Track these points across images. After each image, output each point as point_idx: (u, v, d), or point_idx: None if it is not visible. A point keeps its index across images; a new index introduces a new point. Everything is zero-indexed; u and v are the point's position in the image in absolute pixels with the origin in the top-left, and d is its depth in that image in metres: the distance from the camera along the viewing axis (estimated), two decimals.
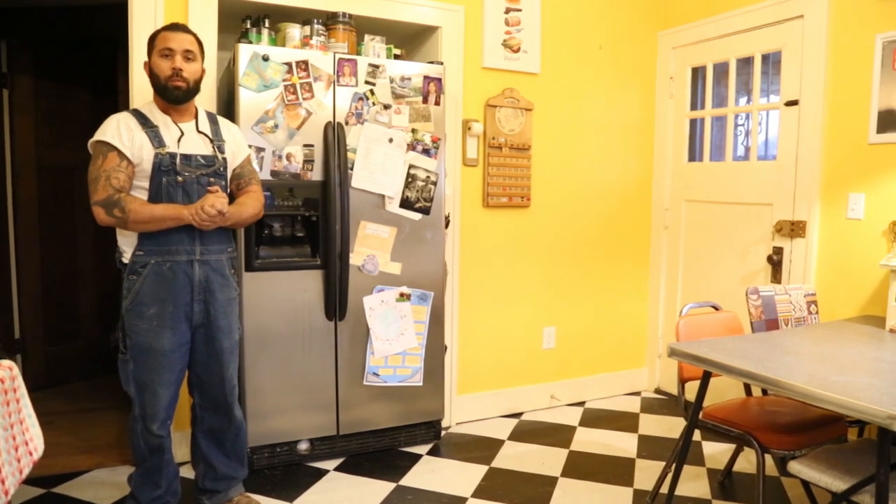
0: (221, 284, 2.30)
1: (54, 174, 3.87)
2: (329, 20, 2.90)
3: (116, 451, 2.97)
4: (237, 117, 2.63)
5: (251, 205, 2.35)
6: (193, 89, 2.24)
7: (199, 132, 2.29)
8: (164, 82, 2.18)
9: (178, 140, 2.22)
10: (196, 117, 2.32)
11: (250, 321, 2.71)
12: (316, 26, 2.86)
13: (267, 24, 2.84)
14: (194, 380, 2.38)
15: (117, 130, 2.15)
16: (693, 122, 3.80)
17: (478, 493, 2.67)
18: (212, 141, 2.30)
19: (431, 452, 3.08)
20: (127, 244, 2.21)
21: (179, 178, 2.19)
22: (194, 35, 2.26)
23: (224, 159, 2.32)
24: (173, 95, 2.20)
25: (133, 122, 2.18)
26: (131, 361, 2.22)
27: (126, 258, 2.21)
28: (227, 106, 2.83)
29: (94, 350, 4.08)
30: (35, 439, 1.61)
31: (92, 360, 4.06)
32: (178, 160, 2.19)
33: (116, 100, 3.35)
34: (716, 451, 3.08)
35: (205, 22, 2.75)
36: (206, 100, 2.76)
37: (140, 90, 2.68)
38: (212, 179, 2.26)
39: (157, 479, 2.31)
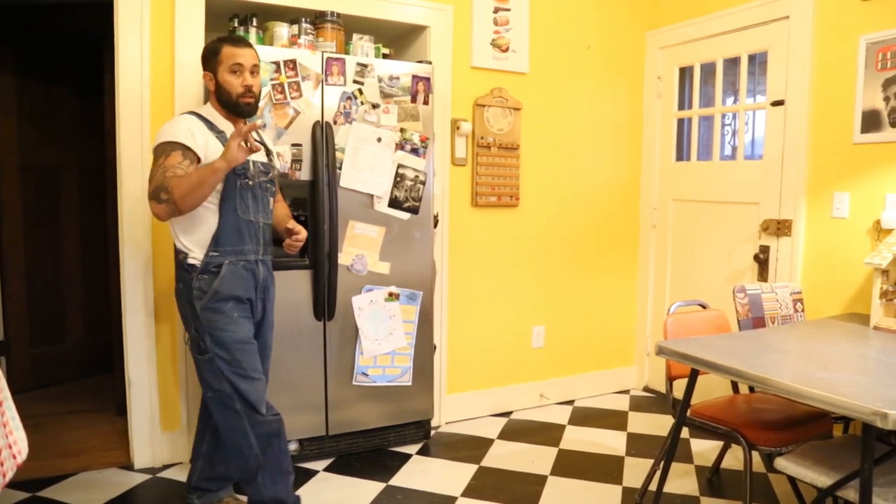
0: (273, 283, 2.40)
1: (39, 175, 3.83)
2: (317, 19, 2.90)
3: (103, 454, 2.95)
4: None
5: (289, 212, 2.56)
6: (258, 101, 2.30)
7: (256, 140, 2.28)
8: (236, 98, 2.21)
9: None
10: None
11: None
12: (304, 25, 2.85)
13: (255, 23, 2.83)
14: None
15: (189, 132, 2.14)
16: (681, 122, 3.82)
17: (468, 493, 2.67)
18: (266, 150, 2.37)
19: (421, 452, 3.08)
20: (196, 245, 2.19)
21: (249, 182, 2.22)
22: (254, 48, 2.28)
23: (277, 170, 2.42)
24: (245, 111, 2.24)
25: (203, 127, 2.19)
26: (217, 358, 2.19)
27: (193, 259, 2.19)
28: None
29: (81, 352, 4.05)
30: (19, 442, 1.60)
31: (79, 362, 4.03)
32: (249, 165, 2.22)
33: (103, 99, 3.32)
34: (704, 449, 3.10)
35: (192, 20, 2.74)
36: (192, 99, 2.76)
37: (126, 87, 2.67)
38: (269, 185, 2.32)
39: (284, 464, 2.28)
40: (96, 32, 3.24)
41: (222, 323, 2.18)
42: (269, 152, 2.40)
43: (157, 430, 2.83)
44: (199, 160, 2.12)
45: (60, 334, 3.99)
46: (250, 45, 2.26)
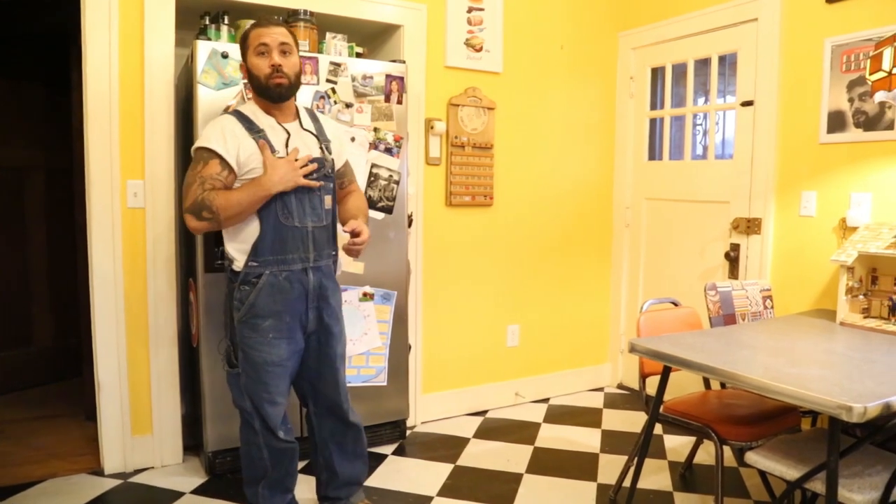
0: (333, 290, 2.23)
1: (4, 174, 3.74)
2: (290, 17, 2.87)
3: (72, 460, 2.89)
4: (195, 115, 2.58)
5: (363, 206, 2.35)
6: (295, 84, 2.12)
7: (304, 130, 2.19)
8: (265, 81, 2.07)
9: (286, 142, 2.12)
10: (298, 115, 2.22)
11: (211, 323, 2.66)
12: None
13: (226, 21, 2.79)
14: (307, 388, 2.29)
15: (222, 137, 2.04)
16: (653, 122, 3.86)
17: (443, 492, 2.67)
18: (318, 139, 2.20)
19: (397, 452, 3.07)
20: (238, 252, 2.09)
21: None
22: (287, 27, 2.14)
23: (332, 160, 2.22)
24: (276, 93, 2.09)
25: (239, 129, 2.07)
26: (244, 375, 2.12)
27: (237, 266, 2.10)
28: (186, 104, 2.78)
29: (48, 356, 3.97)
30: None
31: (46, 367, 3.95)
32: None
33: (70, 95, 3.25)
34: (677, 444, 3.14)
35: (162, 17, 2.70)
36: (163, 97, 2.72)
37: (94, 85, 2.62)
38: (321, 183, 2.15)
39: (288, 483, 2.25)
40: (63, 28, 3.18)
41: (255, 342, 2.09)
42: (323, 142, 2.21)
43: (128, 435, 2.78)
44: (231, 168, 2.03)
45: (26, 338, 3.90)
46: (280, 24, 2.11)
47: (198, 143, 2.07)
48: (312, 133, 2.20)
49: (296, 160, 2.06)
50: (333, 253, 2.24)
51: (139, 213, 2.74)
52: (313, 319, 2.18)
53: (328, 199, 2.18)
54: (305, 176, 2.09)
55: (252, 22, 2.17)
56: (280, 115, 2.16)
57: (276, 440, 2.16)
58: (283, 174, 2.00)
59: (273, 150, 2.08)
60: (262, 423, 2.15)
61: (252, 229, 2.07)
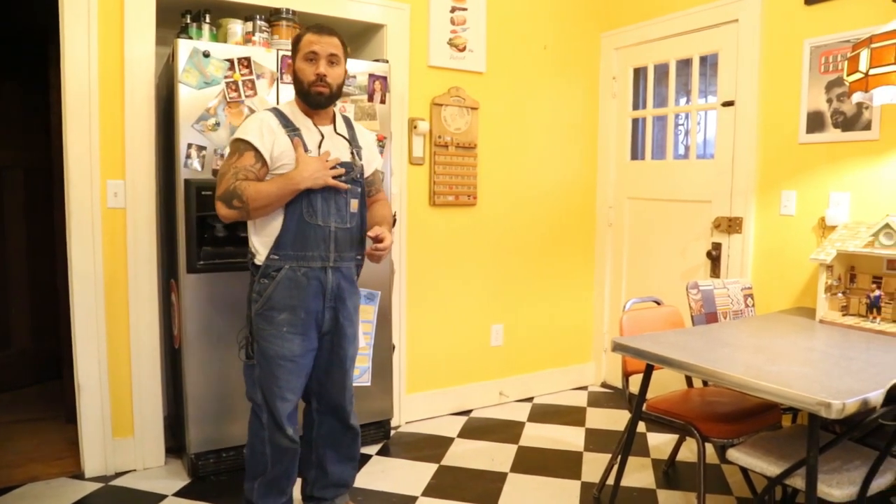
0: (351, 292, 2.27)
1: None
2: (272, 16, 2.86)
3: (52, 464, 2.85)
4: (176, 114, 2.56)
5: (388, 214, 2.40)
6: (336, 94, 2.20)
7: (338, 134, 2.25)
8: (308, 87, 2.14)
9: (319, 144, 2.18)
10: (334, 121, 2.28)
11: (193, 324, 2.64)
12: (259, 22, 2.81)
13: (208, 20, 2.77)
14: (314, 386, 2.30)
15: (259, 131, 2.11)
16: (635, 122, 3.89)
17: (428, 492, 2.67)
18: (350, 145, 2.27)
19: (381, 452, 3.06)
20: (262, 245, 2.15)
21: None
22: (339, 37, 2.19)
23: (361, 166, 2.28)
24: (316, 101, 2.16)
25: (275, 124, 2.14)
26: (258, 367, 2.16)
27: (259, 260, 2.16)
28: (167, 103, 2.76)
29: (27, 357, 3.91)
30: None
31: (24, 369, 3.89)
32: None
33: (48, 94, 3.21)
34: (660, 442, 3.16)
35: (142, 15, 2.67)
36: (143, 97, 2.69)
37: (73, 84, 2.58)
38: (349, 186, 2.21)
39: (284, 485, 2.25)
40: (41, 26, 3.14)
41: (269, 334, 2.13)
42: (355, 148, 2.28)
43: (109, 437, 2.75)
44: (265, 161, 2.10)
45: (5, 340, 3.84)
46: (334, 34, 2.18)
47: (236, 135, 2.15)
48: (345, 138, 2.27)
49: (326, 161, 2.13)
50: (358, 257, 2.29)
51: (120, 214, 2.71)
52: (329, 319, 2.22)
53: (354, 203, 2.23)
54: (334, 178, 2.14)
55: (308, 26, 2.23)
56: (317, 118, 2.22)
57: (281, 436, 2.18)
58: (314, 171, 2.08)
59: (306, 150, 2.14)
60: (270, 417, 2.18)
61: (277, 224, 2.13)
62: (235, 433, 2.73)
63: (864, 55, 2.23)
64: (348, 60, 2.87)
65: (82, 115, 2.61)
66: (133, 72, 2.67)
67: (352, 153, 2.25)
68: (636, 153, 3.90)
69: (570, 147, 3.92)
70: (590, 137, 3.99)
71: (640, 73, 3.83)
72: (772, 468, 1.92)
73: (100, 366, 2.71)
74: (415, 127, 3.30)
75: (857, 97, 2.35)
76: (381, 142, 2.96)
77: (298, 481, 2.38)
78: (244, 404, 2.71)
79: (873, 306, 2.45)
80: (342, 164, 2.19)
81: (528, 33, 3.68)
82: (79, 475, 2.74)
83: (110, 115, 2.66)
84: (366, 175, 2.32)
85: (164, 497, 2.58)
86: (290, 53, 2.72)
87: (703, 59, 3.45)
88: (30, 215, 3.88)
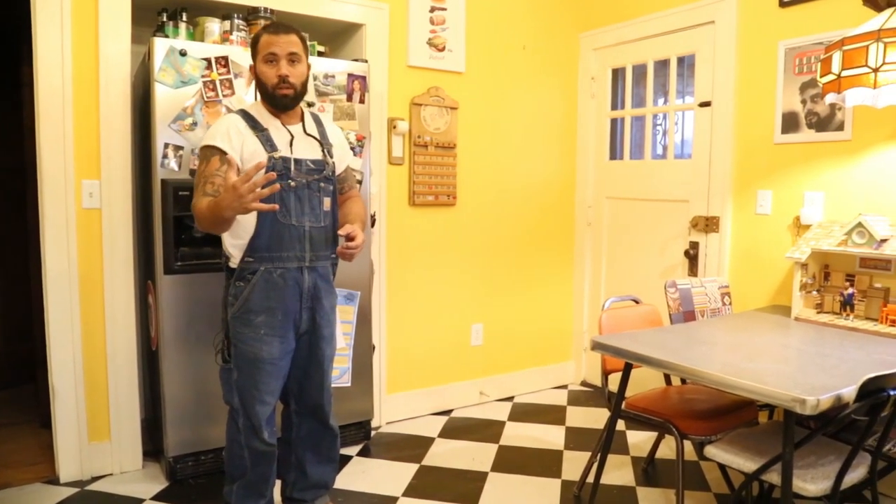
0: (327, 291, 2.25)
1: None
2: (250, 15, 2.83)
3: (26, 469, 2.80)
4: (153, 114, 2.53)
5: (361, 212, 2.34)
6: (301, 92, 2.16)
7: (308, 134, 2.21)
8: (272, 90, 2.11)
9: (290, 144, 2.15)
10: (302, 119, 2.24)
11: (170, 326, 2.61)
12: (236, 21, 2.78)
13: (184, 18, 2.74)
14: (293, 387, 2.29)
15: (226, 133, 2.07)
16: (614, 122, 3.91)
17: (408, 492, 2.67)
18: (321, 144, 2.23)
19: (361, 453, 3.05)
20: (235, 248, 2.12)
21: (292, 183, 2.11)
22: (297, 33, 2.15)
23: (333, 164, 2.25)
24: (282, 103, 2.13)
25: (243, 126, 2.11)
26: (236, 371, 2.13)
27: (233, 263, 2.13)
28: (143, 102, 2.72)
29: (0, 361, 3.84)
30: None
31: None
32: (291, 164, 2.12)
33: (21, 94, 3.15)
34: (639, 440, 3.19)
35: (117, 13, 2.63)
36: (119, 96, 2.65)
37: (46, 82, 2.54)
38: (322, 185, 2.18)
39: (262, 489, 2.22)
40: (13, 22, 3.08)
41: (247, 337, 2.11)
42: (325, 146, 2.25)
43: (84, 441, 2.71)
44: (236, 164, 2.06)
45: None
46: (291, 31, 2.13)
47: (203, 142, 2.11)
48: (315, 137, 2.24)
49: (252, 182, 1.90)
50: (333, 255, 2.27)
51: (95, 214, 2.67)
52: (306, 320, 2.20)
53: (327, 202, 2.22)
54: (275, 182, 1.97)
55: (264, 25, 2.20)
56: (286, 117, 2.20)
57: (258, 441, 2.16)
58: (231, 202, 1.85)
59: (275, 149, 2.11)
60: (247, 422, 2.16)
61: (250, 226, 2.09)
62: (214, 436, 2.71)
63: (837, 57, 2.27)
64: (327, 59, 2.89)
65: (56, 114, 2.57)
66: (108, 70, 2.64)
67: (323, 151, 2.23)
68: (615, 153, 3.92)
69: (550, 147, 3.93)
70: (569, 137, 4.01)
71: (618, 74, 3.86)
72: (748, 464, 1.95)
73: (75, 369, 2.67)
74: (394, 127, 3.29)
75: (830, 98, 2.39)
76: (361, 142, 2.96)
77: (278, 483, 2.36)
78: (223, 406, 2.68)
79: (847, 304, 2.50)
80: (313, 163, 2.17)
81: (507, 33, 3.69)
82: (53, 480, 2.69)
83: (85, 114, 2.62)
84: (337, 172, 2.30)
85: (141, 501, 2.55)
86: None
87: (680, 60, 3.48)
88: (2, 215, 3.81)
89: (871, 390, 1.68)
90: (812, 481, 1.84)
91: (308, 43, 2.68)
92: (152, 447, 2.91)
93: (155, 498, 2.58)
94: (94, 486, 2.66)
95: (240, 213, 1.90)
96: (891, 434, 2.00)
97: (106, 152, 2.66)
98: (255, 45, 2.16)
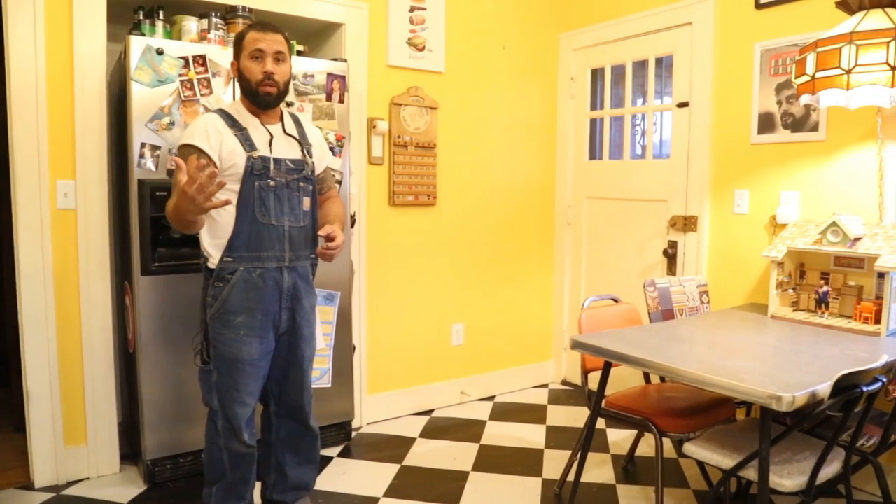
0: (307, 292, 2.24)
1: None
2: (228, 14, 2.81)
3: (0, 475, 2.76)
4: (129, 113, 2.50)
5: (341, 212, 2.36)
6: (283, 92, 2.15)
7: (287, 134, 2.20)
8: (256, 87, 2.09)
9: (269, 143, 2.14)
10: (282, 119, 2.23)
11: (148, 327, 2.58)
12: (214, 20, 2.76)
13: (161, 16, 2.71)
14: (273, 388, 2.28)
15: (205, 132, 2.05)
16: (593, 122, 3.94)
17: (390, 493, 2.66)
18: (300, 143, 2.22)
19: (342, 454, 3.04)
20: (214, 248, 2.09)
21: (271, 183, 2.10)
22: (283, 34, 2.15)
23: (312, 163, 2.24)
24: (265, 101, 2.12)
25: (221, 125, 2.08)
26: (215, 372, 2.11)
27: (212, 263, 2.10)
28: (119, 101, 2.69)
29: None
30: None
31: None
32: (270, 164, 2.10)
33: None
34: (619, 438, 3.21)
35: (92, 11, 2.59)
36: (94, 94, 2.62)
37: (19, 80, 2.50)
38: (301, 184, 2.17)
39: (242, 491, 2.20)
40: None
41: (227, 338, 2.09)
42: (305, 146, 2.24)
43: (60, 446, 2.66)
44: (215, 163, 2.03)
45: None
46: (278, 31, 2.14)
47: (181, 141, 2.09)
48: (295, 137, 2.23)
49: (200, 184, 1.88)
50: (313, 256, 2.25)
51: (70, 215, 2.63)
52: (286, 320, 2.19)
53: (307, 201, 2.21)
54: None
55: (249, 23, 2.19)
56: (265, 116, 2.18)
57: (237, 443, 2.15)
58: (186, 203, 1.86)
59: (254, 148, 2.10)
60: (226, 424, 2.14)
61: (229, 225, 2.08)
62: (193, 438, 2.68)
63: (811, 59, 2.30)
64: (307, 59, 2.87)
65: (29, 113, 2.53)
66: (83, 69, 2.60)
67: (302, 151, 2.23)
68: (594, 153, 3.95)
69: (529, 147, 3.95)
70: (548, 137, 4.03)
71: (597, 74, 3.88)
72: (726, 461, 1.97)
73: (50, 371, 2.63)
74: (374, 127, 3.28)
75: (805, 99, 2.43)
76: (340, 142, 2.94)
77: (258, 485, 2.35)
78: (202, 409, 2.66)
79: (822, 301, 2.53)
80: (293, 162, 2.17)
81: (487, 33, 3.69)
82: (28, 486, 2.65)
83: (59, 113, 2.58)
84: (317, 172, 2.29)
85: None
86: None
87: (658, 61, 3.51)
88: None
89: (845, 386, 1.72)
90: (788, 477, 1.86)
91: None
92: (130, 450, 2.87)
93: (133, 502, 2.54)
94: (71, 491, 2.63)
95: (198, 213, 1.93)
96: (864, 429, 2.04)
97: (81, 152, 2.62)
98: (239, 42, 2.14)
